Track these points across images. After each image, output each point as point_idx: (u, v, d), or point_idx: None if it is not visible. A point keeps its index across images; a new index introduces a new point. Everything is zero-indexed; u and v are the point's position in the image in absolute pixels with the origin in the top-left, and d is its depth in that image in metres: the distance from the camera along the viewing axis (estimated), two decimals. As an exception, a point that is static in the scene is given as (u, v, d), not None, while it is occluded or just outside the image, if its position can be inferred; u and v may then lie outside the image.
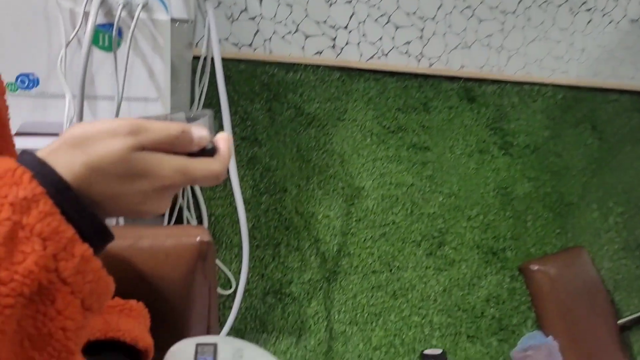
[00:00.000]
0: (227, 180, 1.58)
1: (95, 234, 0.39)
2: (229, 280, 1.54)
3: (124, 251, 0.86)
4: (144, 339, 0.68)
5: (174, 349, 0.63)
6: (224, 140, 0.47)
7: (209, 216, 1.56)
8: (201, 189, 1.54)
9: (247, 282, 1.42)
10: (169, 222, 1.44)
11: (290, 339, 1.55)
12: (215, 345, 0.64)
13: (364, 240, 1.69)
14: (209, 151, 0.46)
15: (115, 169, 0.39)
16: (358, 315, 1.64)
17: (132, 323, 0.68)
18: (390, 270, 1.70)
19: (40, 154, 0.39)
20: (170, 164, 0.41)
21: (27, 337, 0.36)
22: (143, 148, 0.40)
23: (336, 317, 1.62)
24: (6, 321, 0.34)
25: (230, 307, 1.49)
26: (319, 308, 1.60)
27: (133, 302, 0.71)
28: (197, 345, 0.63)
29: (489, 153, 1.90)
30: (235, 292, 1.51)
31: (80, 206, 0.38)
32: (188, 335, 0.98)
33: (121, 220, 1.09)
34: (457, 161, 1.84)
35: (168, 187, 0.42)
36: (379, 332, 1.64)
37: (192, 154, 0.44)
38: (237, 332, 1.51)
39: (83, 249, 0.38)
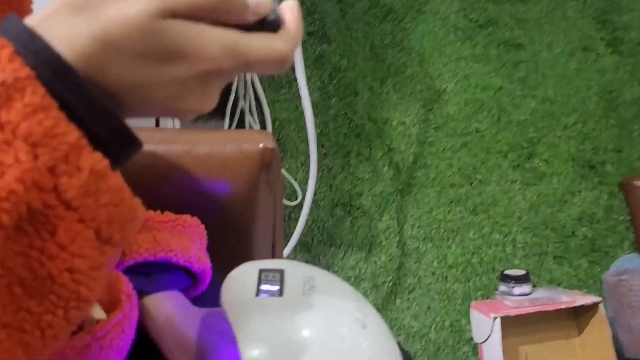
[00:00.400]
0: (293, 81, 1.46)
1: (112, 138, 0.28)
2: (294, 191, 1.46)
3: (178, 158, 0.77)
4: (200, 260, 0.60)
5: (234, 274, 0.54)
6: (291, 10, 0.34)
7: (273, 121, 1.46)
8: (264, 89, 1.43)
9: (315, 193, 1.33)
10: (229, 127, 1.35)
11: (359, 254, 1.48)
12: (282, 272, 0.54)
13: (443, 150, 1.55)
14: (270, 24, 0.33)
15: (135, 43, 0.27)
16: (433, 231, 1.54)
17: (186, 241, 0.59)
18: (471, 184, 1.57)
19: (29, 22, 0.27)
20: (216, 40, 0.29)
21: (17, 281, 0.26)
22: (174, 15, 0.28)
23: (409, 232, 1.52)
24: None
25: (296, 219, 1.42)
26: (391, 222, 1.51)
27: (187, 217, 0.62)
28: (261, 271, 0.54)
29: (593, 51, 1.66)
30: (301, 203, 1.43)
31: (88, 97, 0.27)
32: (251, 252, 0.91)
33: (177, 122, 1.00)
34: (555, 61, 1.62)
35: (213, 73, 0.30)
36: (456, 249, 1.54)
37: (247, 28, 0.32)
38: (303, 245, 1.44)
39: (94, 159, 0.27)
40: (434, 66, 1.55)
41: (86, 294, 0.28)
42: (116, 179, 0.28)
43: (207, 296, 0.65)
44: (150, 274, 0.57)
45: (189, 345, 0.53)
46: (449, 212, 1.55)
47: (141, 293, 0.54)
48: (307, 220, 1.35)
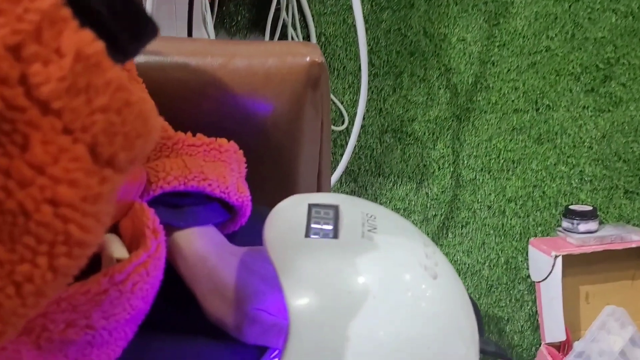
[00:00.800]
0: (341, -10, 1.32)
1: (110, 13, 0.19)
2: (340, 114, 1.36)
3: (213, 72, 0.68)
4: (239, 190, 0.52)
5: (279, 209, 0.46)
6: None
7: (318, 36, 1.34)
8: (309, 0, 1.30)
9: (363, 118, 1.23)
10: (270, 39, 1.24)
11: (409, 185, 1.39)
12: (336, 209, 0.46)
13: (507, 71, 1.41)
14: None
15: None
16: (492, 162, 1.42)
17: (222, 168, 0.51)
18: (537, 110, 1.43)
19: None
20: None
21: None
22: None
23: (465, 162, 1.41)
24: None
25: (342, 146, 1.33)
26: (445, 151, 1.40)
27: (223, 141, 0.53)
28: (311, 206, 0.46)
29: (690, -44, 1.44)
30: (348, 129, 1.34)
31: None
32: (295, 182, 0.83)
33: (212, 32, 0.89)
34: (644, -33, 1.43)
35: None
36: (516, 181, 1.43)
37: None
38: (349, 174, 1.36)
39: (81, 39, 0.18)
40: (501, -26, 1.38)
41: (79, 236, 0.20)
42: (116, 73, 0.19)
43: (246, 233, 0.57)
44: (181, 207, 0.49)
45: (226, 289, 0.46)
46: (511, 140, 1.42)
47: (170, 229, 0.47)
48: (355, 147, 1.26)
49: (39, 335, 0.34)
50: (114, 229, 0.45)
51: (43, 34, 0.18)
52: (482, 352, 0.48)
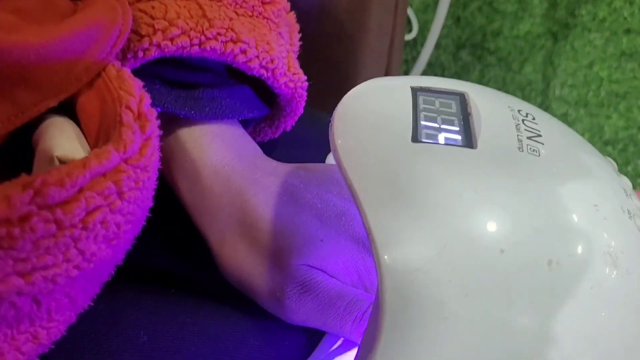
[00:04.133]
0: None
1: None
2: (408, 21, 1.15)
3: None
4: (289, 69, 0.33)
5: (359, 94, 0.27)
6: None
7: None
8: None
9: (442, 26, 1.02)
10: None
11: (486, 115, 1.19)
12: (462, 97, 0.26)
13: (623, -22, 1.17)
14: None
15: None
16: (590, 94, 1.21)
17: (265, 29, 0.32)
18: (654, 31, 1.20)
19: None
20: None
21: None
22: None
23: (557, 92, 1.21)
24: None
25: (407, 62, 1.13)
26: (534, 77, 1.20)
27: None
28: (417, 92, 0.26)
29: None
30: (417, 39, 1.13)
31: None
32: (353, 85, 0.64)
33: None
34: None
35: None
36: (617, 120, 1.22)
37: None
38: (415, 96, 1.16)
39: None
40: None
41: None
42: None
43: (292, 144, 0.39)
44: (191, 86, 0.30)
45: (258, 231, 0.28)
46: (617, 68, 1.20)
47: (169, 122, 0.28)
48: (428, 61, 1.06)
49: None
50: (70, 113, 0.26)
51: None
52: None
